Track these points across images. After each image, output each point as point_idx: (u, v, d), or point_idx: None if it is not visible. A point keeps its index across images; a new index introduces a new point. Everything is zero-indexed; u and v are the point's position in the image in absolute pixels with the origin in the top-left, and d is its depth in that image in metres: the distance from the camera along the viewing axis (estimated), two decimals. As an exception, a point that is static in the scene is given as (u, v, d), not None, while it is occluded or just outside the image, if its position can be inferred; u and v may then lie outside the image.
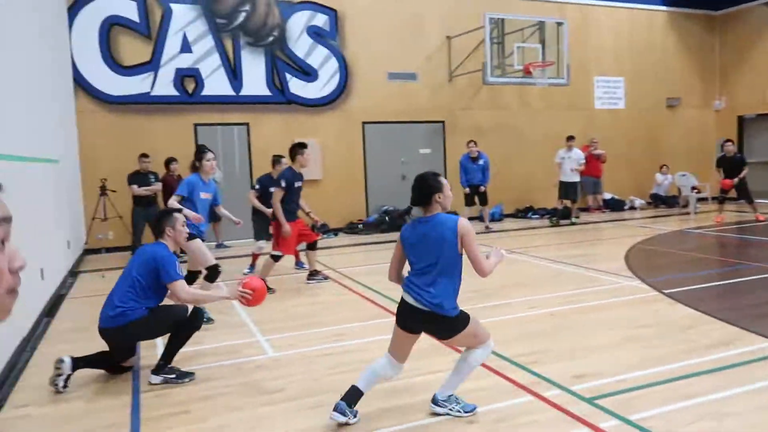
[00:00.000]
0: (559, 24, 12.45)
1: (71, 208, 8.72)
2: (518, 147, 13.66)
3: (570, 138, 12.30)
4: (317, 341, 4.94)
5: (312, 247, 7.23)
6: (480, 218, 12.12)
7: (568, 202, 12.41)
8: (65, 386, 3.99)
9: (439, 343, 4.57)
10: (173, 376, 4.11)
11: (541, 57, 12.36)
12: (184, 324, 4.17)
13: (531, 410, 3.50)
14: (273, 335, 5.16)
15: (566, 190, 12.22)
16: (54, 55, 8.30)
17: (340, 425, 3.28)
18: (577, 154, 12.18)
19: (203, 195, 5.70)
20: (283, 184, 6.65)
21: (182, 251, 5.89)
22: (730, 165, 11.64)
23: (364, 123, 12.34)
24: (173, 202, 5.56)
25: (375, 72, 12.33)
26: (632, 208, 14.50)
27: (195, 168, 5.77)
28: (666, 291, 6.15)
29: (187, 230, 4.48)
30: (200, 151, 5.87)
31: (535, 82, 12.28)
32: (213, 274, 5.59)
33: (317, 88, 11.93)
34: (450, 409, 3.40)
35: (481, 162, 11.52)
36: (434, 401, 3.45)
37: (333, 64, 12.03)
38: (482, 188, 11.51)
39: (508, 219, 13.45)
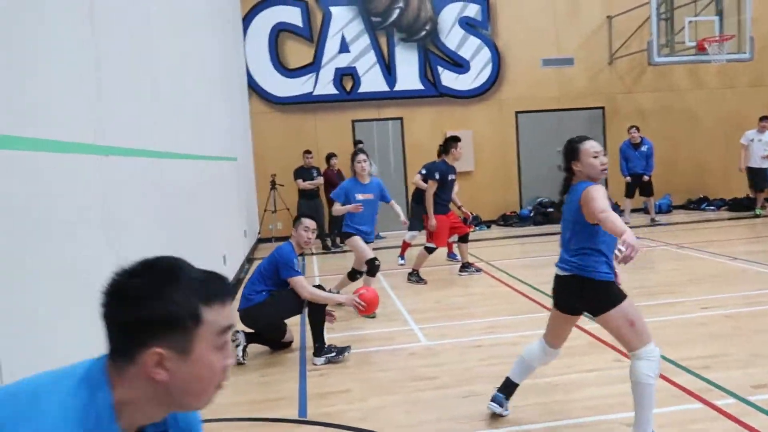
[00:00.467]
0: (742, -8, 11.10)
1: (247, 201, 9.70)
2: (689, 131, 12.47)
3: (764, 118, 10.91)
4: (469, 333, 5.01)
5: (464, 239, 7.29)
6: (645, 210, 11.29)
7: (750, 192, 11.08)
8: (244, 357, 4.50)
9: (595, 341, 4.41)
10: (333, 353, 4.44)
11: (718, 31, 11.12)
12: (310, 302, 4.50)
13: (701, 418, 3.25)
14: (426, 324, 5.32)
15: (754, 177, 10.93)
16: (234, 64, 9.26)
17: (494, 415, 3.32)
18: None
19: (360, 196, 5.91)
20: (437, 176, 6.79)
21: (342, 241, 6.24)
22: None
23: (517, 113, 12.09)
24: (336, 207, 5.94)
25: (528, 59, 12.00)
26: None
27: (354, 172, 6.06)
28: None
29: (309, 236, 4.66)
30: (353, 153, 6.15)
31: (711, 59, 11.05)
32: (372, 268, 5.84)
33: (469, 80, 11.91)
34: None
35: (644, 149, 10.69)
36: None
37: (485, 54, 11.92)
38: (646, 177, 10.66)
39: (677, 211, 12.36)
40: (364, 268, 5.94)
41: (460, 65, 11.88)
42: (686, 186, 12.56)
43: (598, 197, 2.84)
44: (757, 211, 10.97)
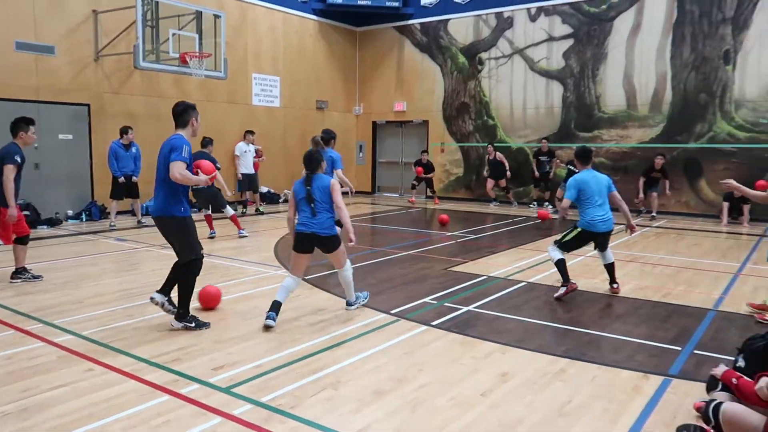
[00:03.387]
0: (217, 16, 12.44)
1: None
2: (176, 137, 13.25)
3: (249, 132, 13.43)
4: None
5: None
6: (131, 212, 11.39)
7: (249, 194, 13.51)
8: None
9: (67, 353, 4.13)
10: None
11: (199, 47, 12.17)
12: None
13: (166, 410, 3.43)
14: None
15: (250, 181, 13.28)
16: None
17: None
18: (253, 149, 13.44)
19: None
20: None
21: None
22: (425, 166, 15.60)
23: (-18, 99, 10.28)
24: None
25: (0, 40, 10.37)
26: (286, 201, 15.53)
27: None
28: (306, 278, 6.76)
29: None
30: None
31: (192, 72, 12.01)
32: None
33: None
34: None
35: (133, 150, 10.84)
36: None
37: (-66, 21, 9.66)
38: (134, 178, 10.84)
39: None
40: None
41: None
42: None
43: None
44: (260, 208, 13.42)
